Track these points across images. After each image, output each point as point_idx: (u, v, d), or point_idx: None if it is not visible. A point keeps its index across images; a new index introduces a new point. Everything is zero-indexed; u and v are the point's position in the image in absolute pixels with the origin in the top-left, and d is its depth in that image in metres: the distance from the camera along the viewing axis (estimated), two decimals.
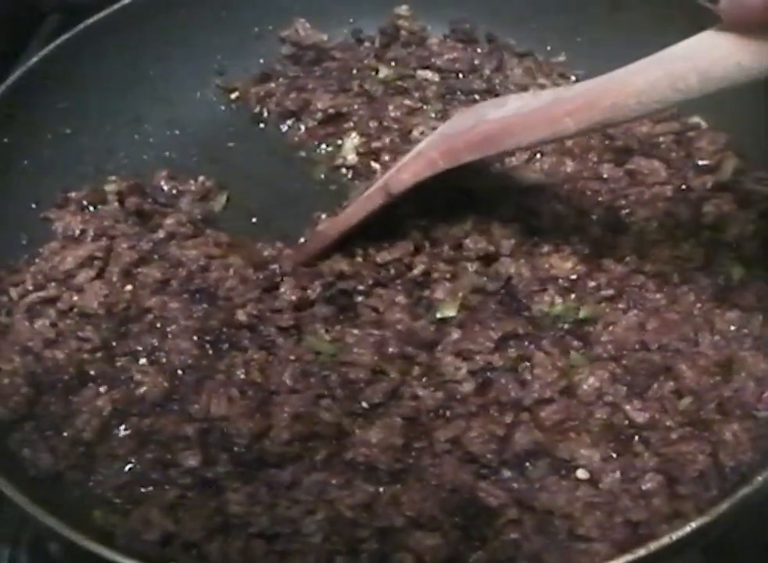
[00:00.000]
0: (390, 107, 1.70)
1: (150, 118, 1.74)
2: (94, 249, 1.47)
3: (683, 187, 1.53)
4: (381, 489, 1.21)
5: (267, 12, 1.83)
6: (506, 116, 1.27)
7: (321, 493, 1.20)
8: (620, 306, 1.38)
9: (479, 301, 1.41)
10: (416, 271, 1.44)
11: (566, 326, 1.37)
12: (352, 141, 1.67)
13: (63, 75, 1.66)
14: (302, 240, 1.52)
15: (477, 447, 1.23)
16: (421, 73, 1.78)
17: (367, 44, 1.85)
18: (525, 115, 1.24)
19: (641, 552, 1.04)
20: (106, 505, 1.24)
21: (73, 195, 1.58)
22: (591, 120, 1.15)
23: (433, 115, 1.69)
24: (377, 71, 1.79)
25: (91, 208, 1.58)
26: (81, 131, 1.67)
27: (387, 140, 1.66)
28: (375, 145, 1.66)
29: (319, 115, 1.72)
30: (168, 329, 1.39)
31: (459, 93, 1.74)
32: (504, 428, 1.26)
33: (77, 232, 1.52)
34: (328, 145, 1.71)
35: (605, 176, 1.54)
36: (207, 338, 1.39)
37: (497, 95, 1.71)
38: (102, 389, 1.34)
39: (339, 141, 1.69)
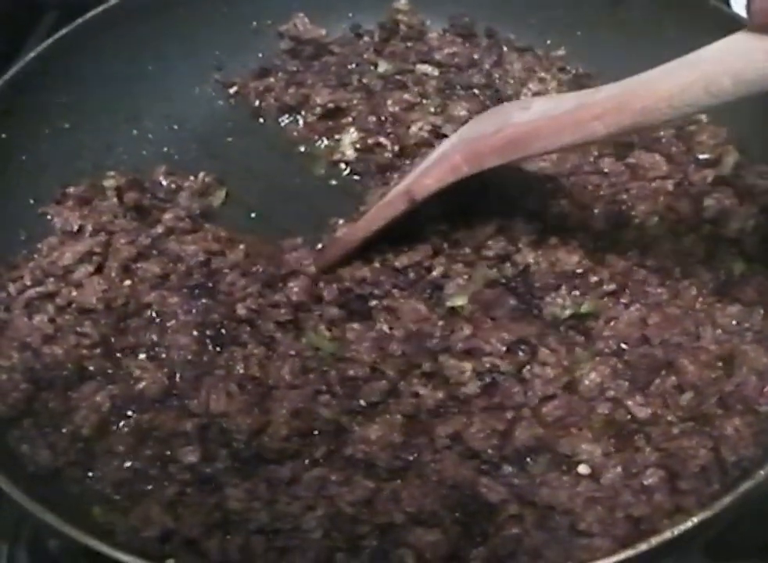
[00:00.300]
0: (389, 102, 1.69)
1: (149, 113, 1.73)
2: (92, 245, 1.47)
3: (684, 181, 1.52)
4: (381, 486, 1.21)
5: (266, 7, 1.82)
6: (532, 119, 1.24)
7: (320, 489, 1.20)
8: (622, 300, 1.37)
9: (493, 295, 1.40)
10: (435, 273, 1.42)
11: (571, 322, 1.37)
12: (350, 136, 1.67)
13: (62, 70, 1.65)
14: (319, 246, 1.50)
15: (478, 443, 1.23)
16: (420, 67, 1.77)
17: (366, 38, 1.84)
18: (552, 118, 1.21)
19: (642, 547, 1.03)
20: (106, 501, 1.24)
21: (71, 190, 1.58)
22: (621, 124, 1.13)
23: (432, 110, 1.68)
24: (376, 66, 1.78)
25: (90, 203, 1.57)
26: (80, 127, 1.66)
27: (385, 135, 1.66)
28: (373, 140, 1.65)
29: (318, 110, 1.71)
30: (167, 325, 1.39)
31: (458, 87, 1.73)
32: (505, 423, 1.26)
33: (76, 228, 1.52)
34: (327, 140, 1.70)
35: (606, 170, 1.54)
36: (207, 333, 1.38)
37: (496, 90, 1.71)
38: (100, 385, 1.34)
39: (338, 136, 1.69)
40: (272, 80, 1.78)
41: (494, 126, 1.29)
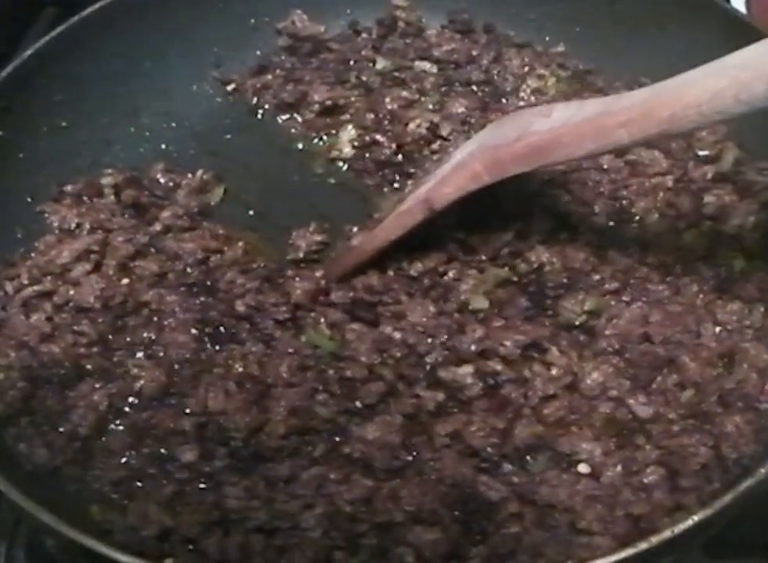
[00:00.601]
0: (387, 99, 1.68)
1: (147, 111, 1.72)
2: (90, 243, 1.47)
3: (684, 177, 1.52)
4: (380, 484, 1.20)
5: (264, 4, 1.81)
6: (554, 126, 1.22)
7: (319, 487, 1.20)
8: (624, 298, 1.37)
9: (506, 294, 1.39)
10: (447, 278, 1.41)
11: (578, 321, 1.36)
12: (348, 133, 1.66)
13: (59, 67, 1.64)
14: (333, 254, 1.50)
15: (477, 441, 1.23)
16: (418, 64, 1.76)
17: (364, 35, 1.84)
18: (575, 125, 1.19)
19: (643, 546, 1.03)
20: (103, 500, 1.23)
21: (69, 188, 1.57)
22: (647, 132, 1.12)
23: (431, 107, 1.67)
24: (374, 63, 1.77)
25: (88, 201, 1.56)
26: (77, 124, 1.66)
27: (383, 133, 1.65)
28: (371, 138, 1.64)
29: (316, 107, 1.70)
30: (165, 323, 1.39)
31: (457, 84, 1.73)
32: (505, 421, 1.25)
33: (73, 226, 1.51)
34: (326, 137, 1.69)
35: (606, 166, 1.53)
36: (205, 331, 1.38)
37: (495, 87, 1.71)
38: (98, 384, 1.33)
39: (336, 134, 1.68)
40: (270, 77, 1.78)
41: (515, 133, 1.26)
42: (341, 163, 1.65)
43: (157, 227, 1.51)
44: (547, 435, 1.24)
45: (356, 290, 1.40)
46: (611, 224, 1.46)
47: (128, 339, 1.38)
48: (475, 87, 1.72)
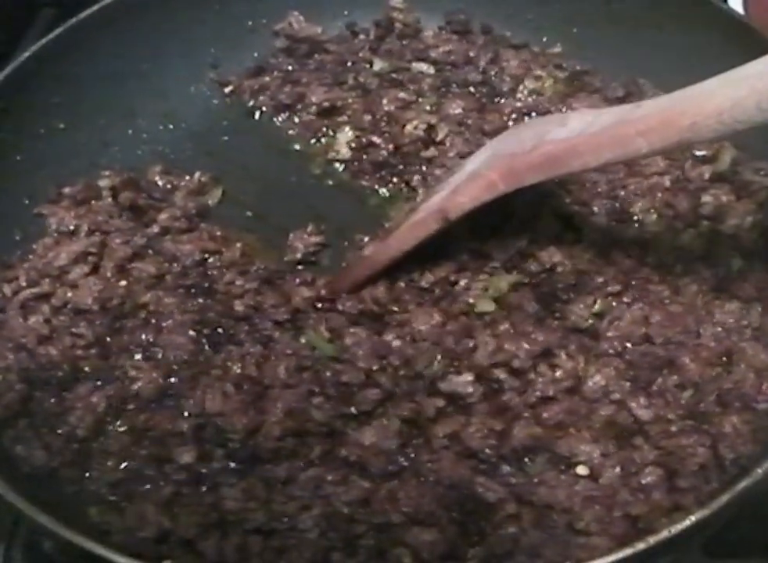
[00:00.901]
0: (384, 101, 1.68)
1: (144, 112, 1.72)
2: (88, 245, 1.47)
3: (681, 177, 1.52)
4: (377, 485, 1.20)
5: (261, 6, 1.81)
6: (570, 135, 1.20)
7: (316, 488, 1.20)
8: (625, 299, 1.37)
9: (516, 298, 1.38)
10: (458, 287, 1.41)
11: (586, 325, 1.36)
12: (345, 135, 1.66)
13: (57, 69, 1.64)
14: (343, 264, 1.49)
15: (476, 442, 1.23)
16: (416, 65, 1.76)
17: (361, 36, 1.84)
18: (592, 134, 1.18)
19: (640, 546, 1.03)
20: (101, 502, 1.23)
21: (66, 190, 1.57)
22: (667, 141, 1.11)
23: (428, 108, 1.67)
24: (371, 64, 1.77)
25: (85, 203, 1.56)
26: (75, 126, 1.66)
27: (380, 134, 1.65)
28: (368, 139, 1.64)
29: (314, 108, 1.70)
30: (163, 324, 1.39)
31: (454, 85, 1.73)
32: (503, 423, 1.25)
33: (71, 228, 1.51)
34: (323, 139, 1.69)
35: None
36: (203, 332, 1.38)
37: (492, 87, 1.71)
38: (96, 386, 1.33)
39: (334, 135, 1.68)
40: (267, 78, 1.78)
41: (530, 142, 1.25)
42: (338, 165, 1.65)
43: (155, 228, 1.51)
44: (545, 437, 1.24)
45: (364, 301, 1.40)
46: (612, 224, 1.46)
47: (126, 341, 1.38)
48: (472, 89, 1.72)
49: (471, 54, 1.76)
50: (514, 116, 1.65)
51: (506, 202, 1.32)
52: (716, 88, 1.07)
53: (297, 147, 1.69)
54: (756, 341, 1.31)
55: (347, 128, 1.67)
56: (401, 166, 1.60)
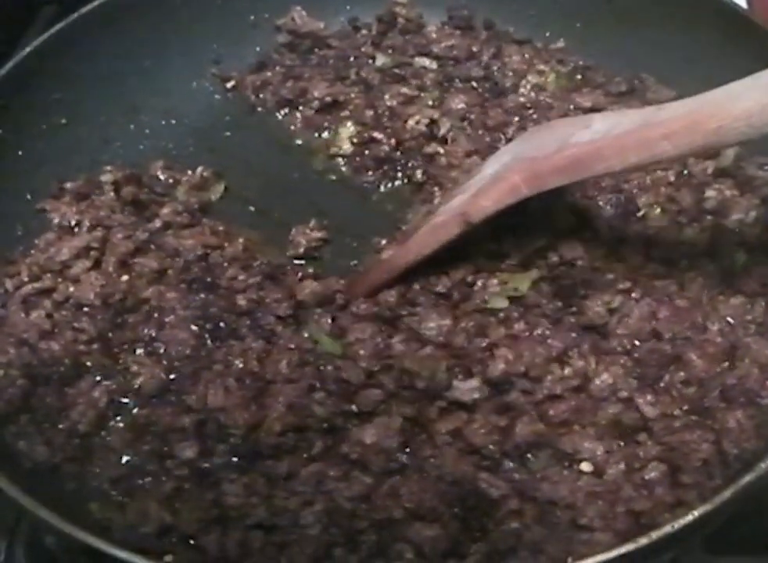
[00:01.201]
0: (387, 96, 1.68)
1: (146, 108, 1.73)
2: (89, 240, 1.46)
3: (685, 172, 1.52)
4: (379, 481, 1.20)
5: (263, 1, 1.81)
6: (594, 138, 1.18)
7: (318, 484, 1.20)
8: (633, 295, 1.36)
9: (533, 298, 1.37)
10: (476, 288, 1.39)
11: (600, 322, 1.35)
12: (348, 130, 1.66)
13: (58, 65, 1.64)
14: (361, 268, 1.48)
15: (479, 439, 1.23)
16: (418, 60, 1.76)
17: (364, 31, 1.84)
18: (616, 137, 1.16)
19: (643, 541, 1.03)
20: (103, 497, 1.23)
21: (68, 185, 1.57)
22: (693, 144, 1.09)
23: (430, 103, 1.67)
24: (374, 59, 1.77)
25: (87, 198, 1.56)
26: (76, 122, 1.66)
27: (382, 130, 1.65)
28: (370, 134, 1.64)
29: (316, 103, 1.70)
30: (165, 319, 1.38)
31: (457, 80, 1.73)
32: (506, 419, 1.25)
33: (73, 223, 1.51)
34: (325, 134, 1.69)
35: None
36: (206, 327, 1.38)
37: (495, 83, 1.71)
38: (98, 381, 1.33)
39: (336, 130, 1.68)
40: (270, 73, 1.78)
41: (554, 144, 1.23)
42: (340, 160, 1.65)
43: (157, 223, 1.51)
44: (548, 434, 1.23)
45: (378, 304, 1.38)
46: (618, 219, 1.46)
47: (128, 336, 1.38)
48: (474, 84, 1.72)
49: (474, 49, 1.76)
50: (516, 111, 1.64)
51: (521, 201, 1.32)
52: (744, 92, 1.06)
53: (299, 142, 1.69)
54: (761, 336, 1.30)
55: (349, 123, 1.67)
56: (403, 162, 1.60)
